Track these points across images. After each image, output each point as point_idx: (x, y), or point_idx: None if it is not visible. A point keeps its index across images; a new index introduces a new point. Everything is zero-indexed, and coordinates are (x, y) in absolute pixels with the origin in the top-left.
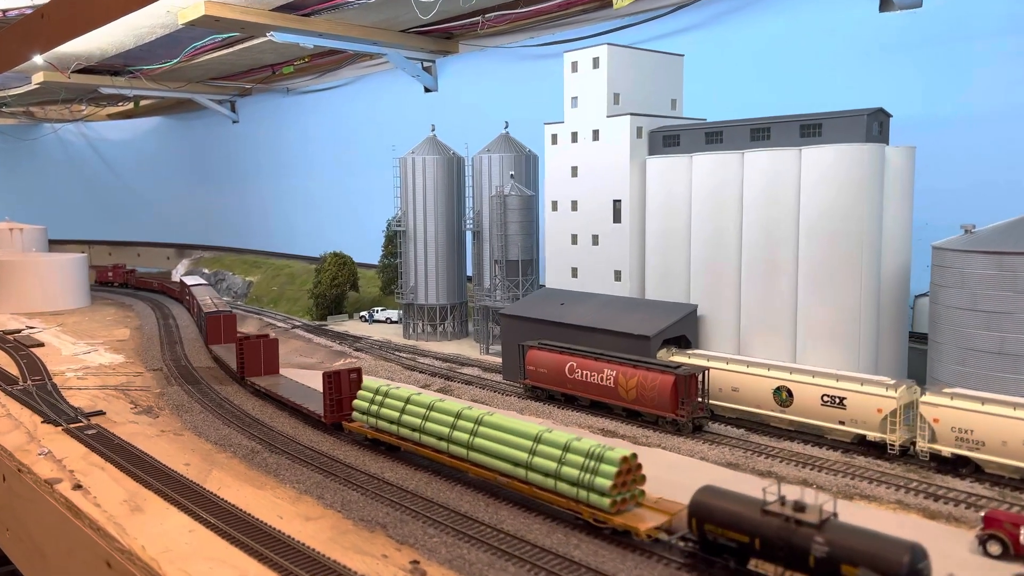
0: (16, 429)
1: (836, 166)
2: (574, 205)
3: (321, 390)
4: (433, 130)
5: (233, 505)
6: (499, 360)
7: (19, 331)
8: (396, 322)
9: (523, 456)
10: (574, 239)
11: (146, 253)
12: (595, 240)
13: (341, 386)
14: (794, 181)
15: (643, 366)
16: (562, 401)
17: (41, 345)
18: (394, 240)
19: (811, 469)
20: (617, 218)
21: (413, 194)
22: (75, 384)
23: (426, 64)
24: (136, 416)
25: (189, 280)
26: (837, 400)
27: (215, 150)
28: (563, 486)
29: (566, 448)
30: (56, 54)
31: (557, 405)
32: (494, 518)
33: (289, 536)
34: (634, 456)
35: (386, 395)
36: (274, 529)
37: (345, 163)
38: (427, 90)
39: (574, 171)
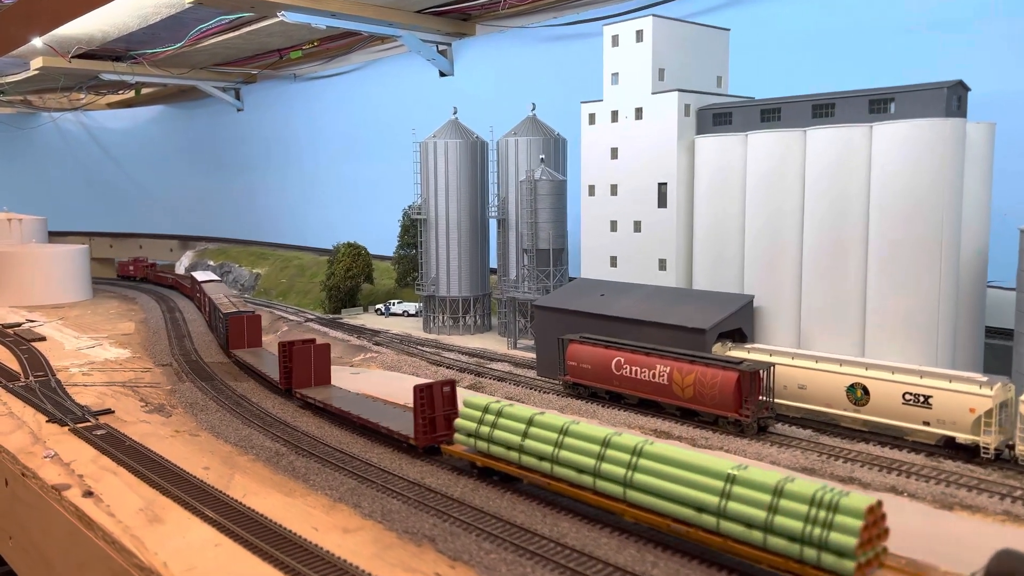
0: (19, 429)
1: (914, 143)
2: (613, 189)
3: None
4: (455, 113)
5: (261, 515)
6: (529, 355)
7: (19, 325)
8: (414, 315)
9: (712, 500)
10: (613, 226)
11: (148, 245)
12: (637, 226)
13: (434, 401)
14: (864, 160)
15: (701, 362)
16: (606, 399)
17: (43, 339)
18: (410, 230)
19: (897, 475)
20: (662, 202)
21: (435, 180)
22: (80, 380)
23: (441, 47)
24: (147, 415)
25: (200, 276)
26: (922, 399)
27: (219, 139)
28: (778, 542)
29: (778, 492)
30: (56, 37)
31: (601, 404)
32: (554, 530)
33: (328, 551)
34: (879, 504)
35: (499, 414)
36: (310, 543)
37: (356, 151)
38: (442, 74)
39: (614, 152)
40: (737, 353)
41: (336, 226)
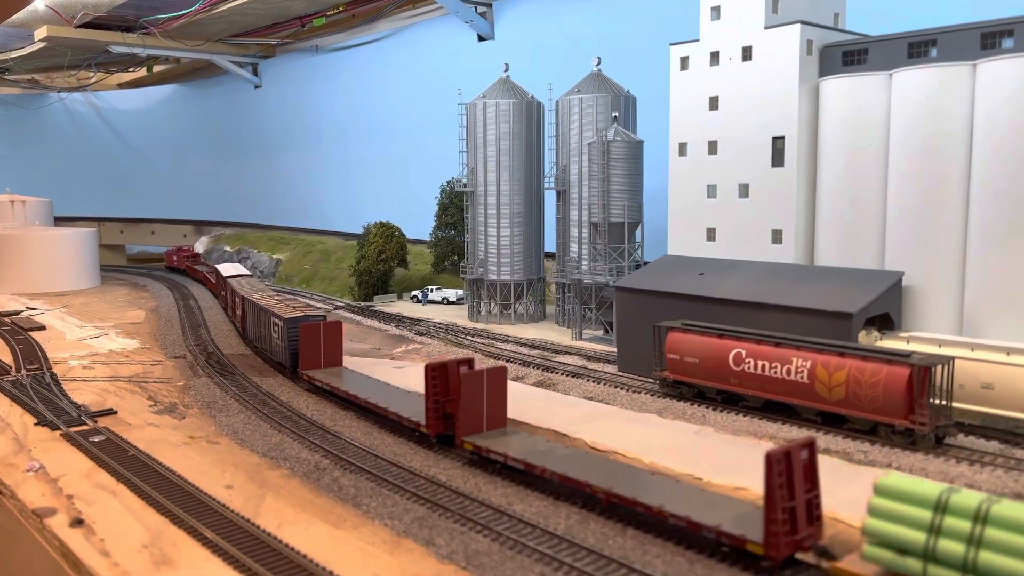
0: (1, 434)
1: None
2: (712, 147)
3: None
4: (506, 70)
5: (303, 555)
6: (599, 347)
7: (18, 313)
8: (454, 303)
9: None
10: (711, 191)
11: (161, 230)
12: (743, 191)
13: (793, 477)
14: None
15: (855, 354)
16: (718, 401)
17: (42, 328)
18: (449, 208)
19: None
20: (778, 161)
21: (484, 146)
22: (79, 375)
23: (481, 8)
24: (156, 416)
25: (226, 270)
26: None
27: (236, 118)
28: None
29: None
30: (61, 1)
31: (712, 406)
32: None
33: None
34: None
35: (982, 519)
36: None
37: (384, 127)
38: (481, 39)
39: (713, 103)
40: (892, 343)
41: (363, 208)
